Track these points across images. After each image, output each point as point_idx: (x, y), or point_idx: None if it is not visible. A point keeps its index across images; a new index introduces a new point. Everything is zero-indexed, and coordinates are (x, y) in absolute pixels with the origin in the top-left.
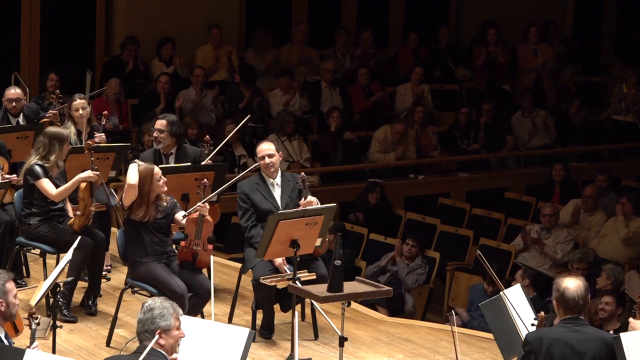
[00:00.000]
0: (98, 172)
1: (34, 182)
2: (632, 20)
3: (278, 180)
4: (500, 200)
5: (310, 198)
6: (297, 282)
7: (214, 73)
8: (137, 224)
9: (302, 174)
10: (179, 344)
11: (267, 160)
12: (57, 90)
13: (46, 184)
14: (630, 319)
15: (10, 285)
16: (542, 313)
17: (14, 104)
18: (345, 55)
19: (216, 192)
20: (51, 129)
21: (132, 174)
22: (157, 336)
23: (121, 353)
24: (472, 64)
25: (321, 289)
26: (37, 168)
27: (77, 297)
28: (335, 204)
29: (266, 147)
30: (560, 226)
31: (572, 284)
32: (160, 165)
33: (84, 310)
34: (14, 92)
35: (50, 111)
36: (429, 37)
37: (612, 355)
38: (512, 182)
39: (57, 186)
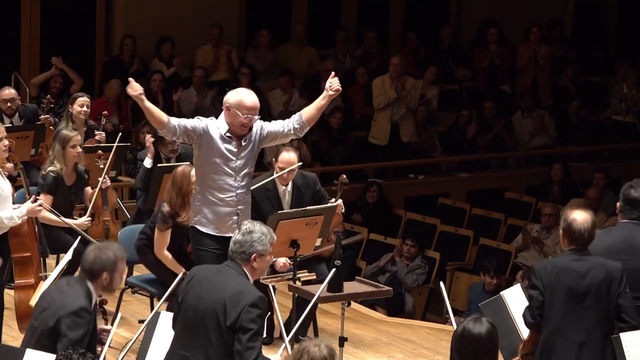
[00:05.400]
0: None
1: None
2: (632, 19)
3: (289, 187)
4: (500, 200)
5: (339, 201)
6: (297, 281)
7: (214, 73)
8: (183, 231)
9: (343, 175)
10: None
11: (286, 175)
12: (49, 96)
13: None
14: None
15: (123, 265)
16: None
17: (8, 104)
18: (346, 55)
19: None
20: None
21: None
22: None
23: (121, 353)
24: (472, 64)
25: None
26: (50, 179)
27: None
28: (335, 204)
29: (287, 158)
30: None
31: (579, 216)
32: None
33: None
34: (8, 92)
35: (42, 116)
36: (429, 37)
37: (614, 282)
38: (512, 182)
39: (66, 200)
